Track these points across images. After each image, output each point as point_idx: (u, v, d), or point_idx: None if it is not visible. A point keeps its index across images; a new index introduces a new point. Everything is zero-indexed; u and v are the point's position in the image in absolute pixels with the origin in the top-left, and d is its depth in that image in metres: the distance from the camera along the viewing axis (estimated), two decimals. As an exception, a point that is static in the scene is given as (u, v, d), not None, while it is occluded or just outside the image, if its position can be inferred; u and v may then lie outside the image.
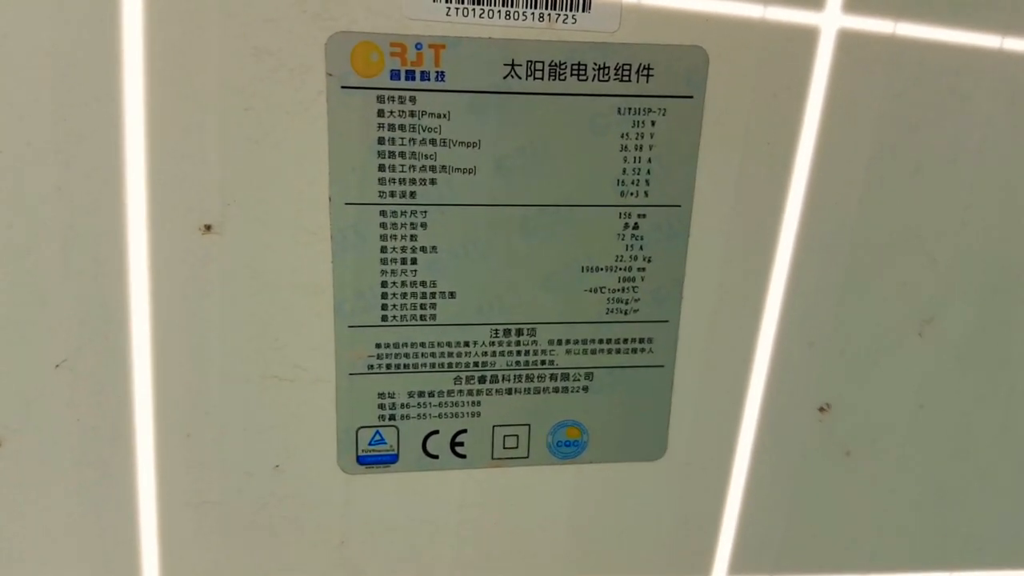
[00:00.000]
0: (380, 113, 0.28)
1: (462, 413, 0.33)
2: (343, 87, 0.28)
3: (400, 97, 0.28)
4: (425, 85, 0.28)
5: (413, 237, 0.30)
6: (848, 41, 0.30)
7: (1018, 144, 0.33)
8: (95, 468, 0.31)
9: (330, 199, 0.29)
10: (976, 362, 0.35)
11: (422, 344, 0.32)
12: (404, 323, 0.31)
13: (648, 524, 0.35)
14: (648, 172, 0.31)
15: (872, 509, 0.37)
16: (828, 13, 0.30)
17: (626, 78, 0.29)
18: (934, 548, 0.38)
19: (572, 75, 0.29)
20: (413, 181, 0.29)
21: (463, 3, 0.28)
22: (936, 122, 0.32)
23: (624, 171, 0.30)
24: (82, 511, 0.32)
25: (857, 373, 0.35)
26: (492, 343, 0.32)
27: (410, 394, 0.32)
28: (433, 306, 0.31)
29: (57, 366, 0.30)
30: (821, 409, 0.35)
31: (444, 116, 0.29)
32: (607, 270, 0.32)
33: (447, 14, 0.28)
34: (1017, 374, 0.36)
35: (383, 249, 0.30)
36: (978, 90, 0.32)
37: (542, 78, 0.29)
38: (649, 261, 0.32)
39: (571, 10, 0.28)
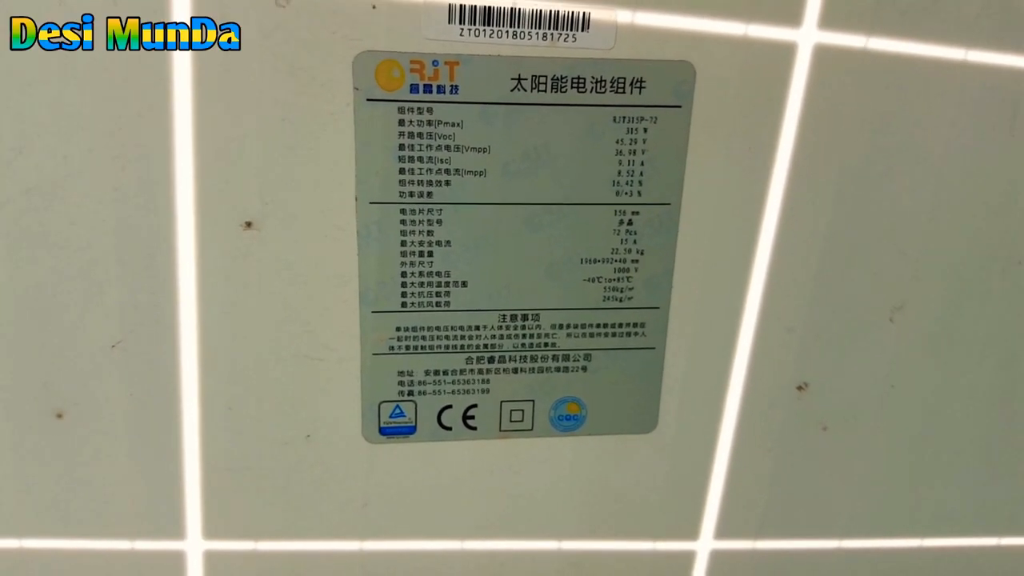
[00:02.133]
0: (401, 122, 0.32)
1: (473, 390, 0.36)
2: (368, 99, 0.31)
3: (419, 108, 0.32)
4: (441, 97, 0.32)
5: (430, 232, 0.34)
6: (823, 55, 0.33)
7: (979, 147, 0.36)
8: (145, 437, 0.35)
9: (356, 199, 0.33)
10: (941, 346, 0.39)
11: (437, 328, 0.35)
12: (421, 309, 0.35)
13: (640, 491, 0.39)
14: (641, 174, 0.34)
15: (847, 480, 0.41)
16: (805, 30, 0.33)
17: (621, 90, 0.33)
18: (904, 517, 0.42)
19: (572, 87, 0.32)
20: (430, 183, 0.33)
21: (475, 24, 0.31)
22: (904, 128, 0.35)
23: (619, 173, 0.34)
24: (133, 475, 0.35)
25: (832, 355, 0.38)
26: (500, 327, 0.36)
27: (427, 372, 0.36)
28: (447, 294, 0.35)
29: (113, 347, 0.33)
30: (799, 388, 0.38)
31: (458, 125, 0.32)
32: (604, 262, 0.35)
33: (460, 34, 0.31)
34: (979, 357, 0.39)
35: (403, 243, 0.34)
36: (942, 98, 0.35)
37: (545, 90, 0.32)
38: (642, 254, 0.35)
39: (571, 30, 0.32)
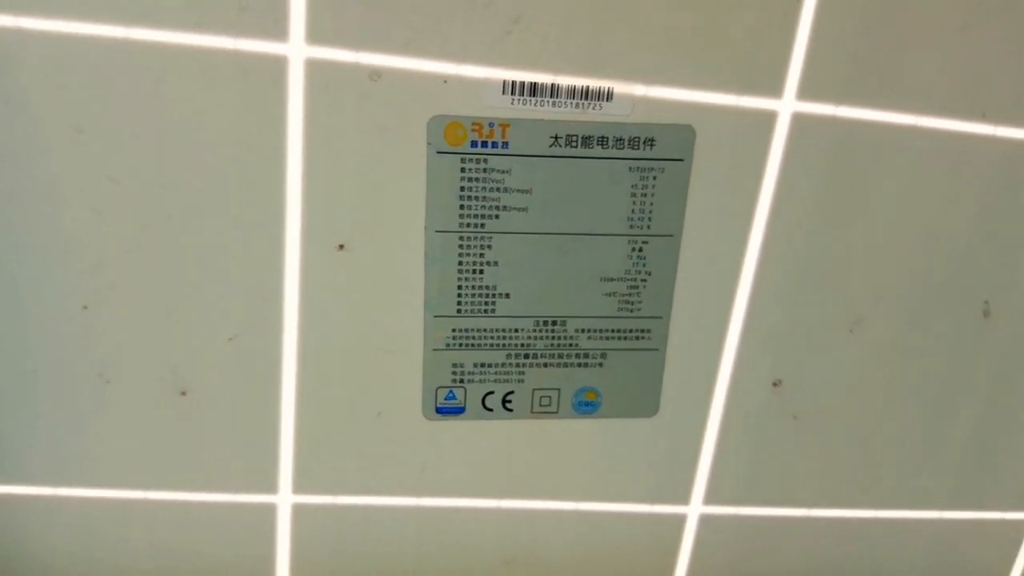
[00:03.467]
0: (462, 170, 0.40)
1: (511, 379, 0.45)
2: (438, 152, 0.40)
3: (477, 159, 0.40)
4: (495, 151, 0.40)
5: (481, 255, 0.42)
6: (800, 120, 0.42)
7: (928, 194, 0.44)
8: (251, 412, 0.44)
9: (425, 228, 0.41)
10: (892, 353, 0.47)
11: (484, 330, 0.44)
12: (472, 315, 0.44)
13: (643, 463, 0.48)
14: (651, 212, 0.43)
15: (813, 459, 0.49)
16: (785, 100, 0.42)
17: (635, 147, 0.41)
18: (862, 491, 0.51)
19: (598, 144, 0.41)
20: (484, 216, 0.42)
21: (522, 95, 0.40)
22: (865, 178, 0.43)
23: (632, 211, 0.42)
24: (238, 441, 0.44)
25: (803, 358, 0.47)
26: (535, 330, 0.44)
27: (475, 365, 0.45)
28: (493, 303, 0.43)
29: (230, 339, 0.42)
30: (775, 384, 0.47)
31: (507, 172, 0.41)
32: (619, 280, 0.44)
33: (511, 103, 0.40)
34: (923, 362, 0.48)
35: (460, 263, 0.42)
36: (898, 154, 0.43)
37: (576, 146, 0.41)
38: (649, 274, 0.44)
39: (598, 100, 0.40)
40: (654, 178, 0.42)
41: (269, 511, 0.46)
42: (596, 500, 0.48)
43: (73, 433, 0.43)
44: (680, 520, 0.49)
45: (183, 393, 0.43)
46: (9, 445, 0.43)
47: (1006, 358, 0.48)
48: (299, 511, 0.46)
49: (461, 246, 0.42)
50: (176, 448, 0.44)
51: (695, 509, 0.49)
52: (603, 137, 0.41)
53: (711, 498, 0.49)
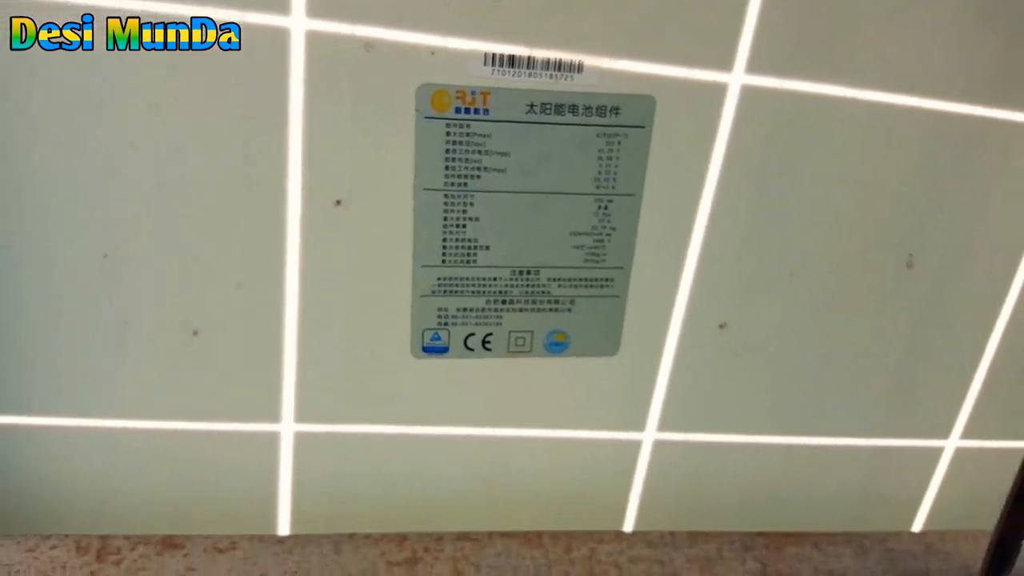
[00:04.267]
0: (447, 134, 0.45)
1: (490, 322, 0.51)
2: (425, 117, 0.44)
3: (460, 124, 0.45)
4: (477, 117, 0.45)
5: (464, 211, 0.47)
6: (748, 92, 0.47)
7: (862, 160, 0.50)
8: (257, 349, 0.49)
9: (414, 186, 0.46)
10: (824, 299, 0.54)
11: (466, 278, 0.49)
12: (456, 264, 0.49)
13: (605, 396, 0.54)
14: (615, 173, 0.48)
15: (755, 393, 0.56)
16: (735, 73, 0.47)
17: (602, 114, 0.46)
18: (798, 420, 0.58)
19: (569, 112, 0.46)
20: (466, 176, 0.46)
21: (502, 67, 0.44)
22: (806, 143, 0.49)
23: (599, 172, 0.48)
24: (245, 376, 0.49)
25: (746, 304, 0.53)
26: (511, 279, 0.50)
27: (458, 309, 0.50)
28: (475, 254, 0.49)
29: (238, 285, 0.47)
30: (721, 326, 0.53)
31: (488, 136, 0.46)
32: (586, 234, 0.49)
33: (492, 74, 0.44)
34: (854, 307, 0.54)
35: (445, 218, 0.47)
36: (835, 122, 0.49)
37: (550, 113, 0.46)
38: (614, 229, 0.49)
39: (570, 72, 0.45)
40: (618, 143, 0.47)
41: (273, 439, 0.51)
42: (564, 428, 0.54)
43: (95, 370, 0.48)
44: (636, 445, 0.55)
45: (195, 333, 0.48)
46: (37, 382, 0.47)
47: (926, 304, 0.55)
48: (300, 438, 0.51)
49: (446, 203, 0.47)
50: (189, 382, 0.49)
51: (649, 436, 0.55)
52: (573, 105, 0.46)
53: (664, 426, 0.55)
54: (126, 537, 0.47)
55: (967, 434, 0.59)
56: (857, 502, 0.60)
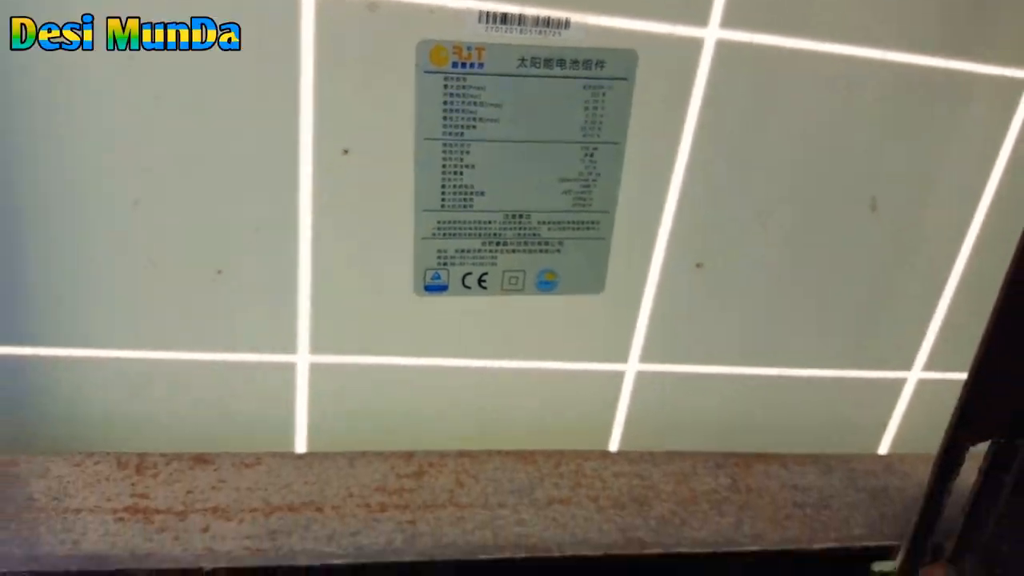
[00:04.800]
0: (445, 87, 0.49)
1: (485, 263, 0.55)
2: (425, 72, 0.48)
3: (457, 78, 0.49)
4: (472, 71, 0.49)
5: (461, 159, 0.52)
6: (723, 46, 0.51)
7: (829, 109, 0.54)
8: (276, 289, 0.53)
9: (415, 136, 0.50)
10: (796, 241, 0.58)
11: (463, 222, 0.54)
12: (454, 209, 0.53)
13: (591, 331, 0.59)
14: (600, 123, 0.52)
15: (729, 328, 0.61)
16: (710, 28, 0.50)
17: (588, 68, 0.50)
18: (769, 354, 0.62)
19: (557, 66, 0.50)
20: (463, 126, 0.50)
21: (495, 24, 0.48)
22: (776, 95, 0.53)
23: (585, 122, 0.52)
24: (264, 310, 0.54)
25: (722, 245, 0.57)
26: (504, 222, 0.54)
27: (456, 251, 0.55)
28: (471, 199, 0.53)
29: (256, 229, 0.52)
30: (697, 265, 0.58)
31: (482, 88, 0.50)
32: (573, 180, 0.53)
33: (486, 30, 0.48)
34: (822, 248, 0.58)
35: (443, 166, 0.51)
36: (803, 76, 0.52)
37: (540, 67, 0.50)
38: (599, 175, 0.53)
39: (558, 28, 0.49)
40: (603, 94, 0.51)
41: (290, 369, 0.56)
42: (553, 360, 0.59)
43: (125, 306, 0.53)
44: (620, 376, 0.61)
45: (219, 272, 0.52)
46: (71, 316, 0.52)
47: (888, 244, 0.59)
48: (315, 369, 0.56)
49: (444, 151, 0.51)
50: (213, 317, 0.54)
51: (632, 367, 0.60)
52: (561, 59, 0.50)
53: (645, 358, 0.60)
54: (161, 454, 0.52)
55: (928, 366, 0.64)
56: (824, 430, 0.65)
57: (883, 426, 0.66)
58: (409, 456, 0.55)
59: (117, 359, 0.54)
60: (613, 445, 0.62)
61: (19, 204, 0.49)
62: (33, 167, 0.48)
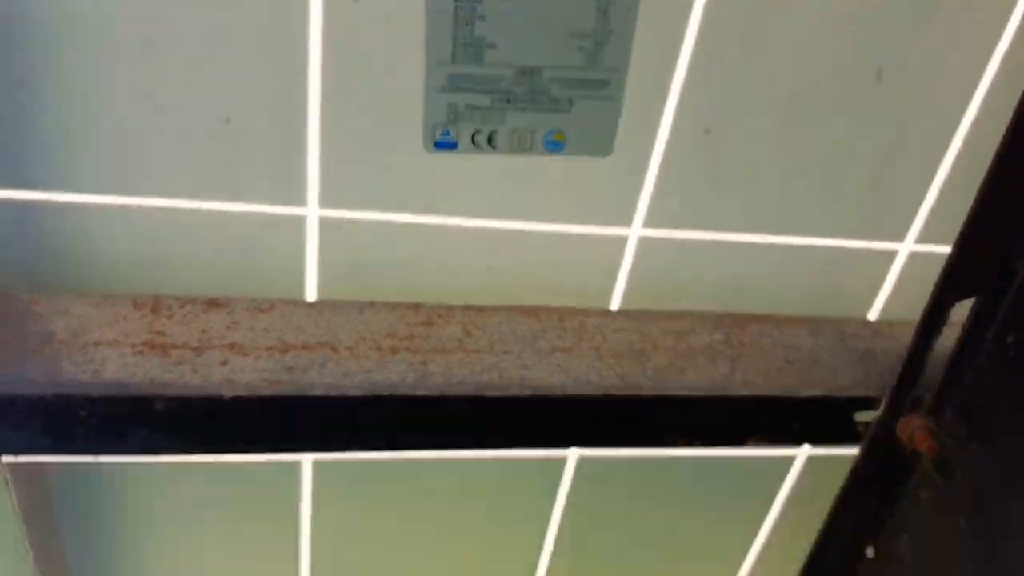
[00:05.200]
0: (460, -71, 0.48)
1: (495, 120, 0.56)
2: (439, -88, 0.47)
3: (472, -80, 0.48)
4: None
5: (473, 9, 0.51)
6: None
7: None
8: (285, 139, 0.54)
9: (428, -18, 0.50)
10: (802, 108, 0.58)
11: (474, 76, 0.54)
12: (465, 63, 0.53)
13: (597, 193, 0.60)
14: (614, -25, 0.51)
15: (730, 195, 0.62)
16: None
17: (605, -85, 0.49)
18: (771, 221, 0.64)
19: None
20: (476, -26, 0.50)
21: None
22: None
23: (600, -26, 0.51)
24: (277, 164, 0.55)
25: (729, 111, 0.58)
26: (515, 78, 0.54)
27: (466, 107, 0.55)
28: (482, 52, 0.53)
29: (266, 78, 0.51)
30: (706, 131, 0.58)
31: (497, -67, 0.49)
32: (586, 36, 0.53)
33: None
34: (827, 117, 0.59)
35: (455, 17, 0.51)
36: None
37: (556, -88, 0.49)
38: (612, 32, 0.53)
39: None
40: (619, -55, 0.50)
41: (300, 222, 0.57)
42: (559, 222, 0.61)
43: (134, 153, 0.53)
44: (623, 240, 0.62)
45: (227, 120, 0.53)
46: (81, 162, 0.53)
47: (893, 114, 0.60)
48: (325, 223, 0.57)
49: (456, 6, 0.51)
50: (221, 166, 0.54)
51: (636, 232, 0.62)
52: (578, -95, 0.49)
53: (649, 223, 0.62)
54: (175, 298, 0.54)
55: (920, 239, 0.66)
56: (819, 297, 0.67)
57: (873, 295, 0.69)
58: (417, 307, 0.57)
59: (126, 206, 0.55)
60: (614, 307, 0.64)
61: (29, 49, 0.48)
62: (43, 10, 0.47)
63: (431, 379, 0.50)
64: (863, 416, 0.55)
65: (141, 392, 0.46)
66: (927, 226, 0.66)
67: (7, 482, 0.55)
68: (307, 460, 0.67)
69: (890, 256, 0.67)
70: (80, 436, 0.46)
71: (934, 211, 0.65)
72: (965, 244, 0.49)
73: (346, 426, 0.50)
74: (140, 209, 0.55)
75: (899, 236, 0.66)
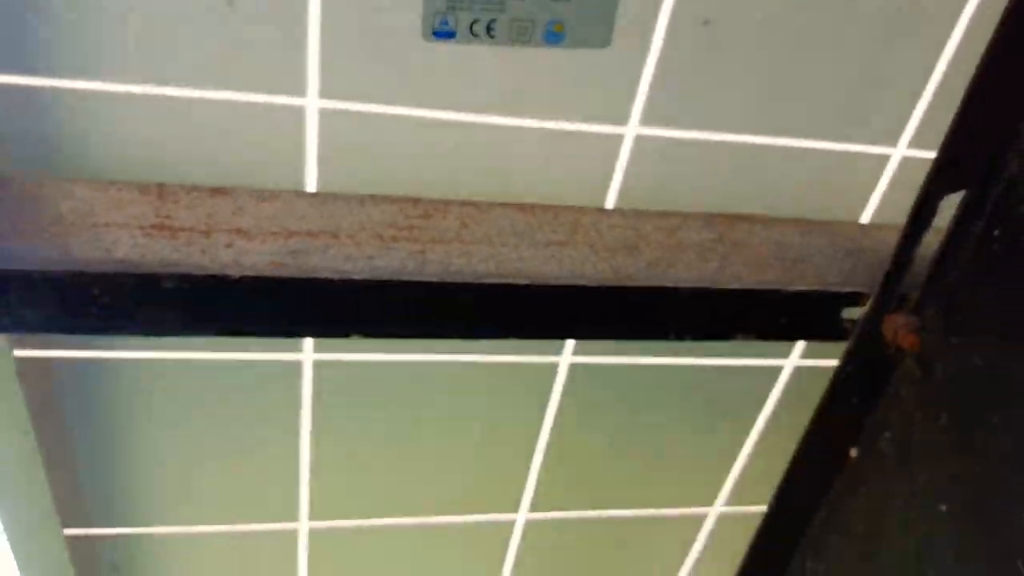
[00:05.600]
0: None
1: (494, 10, 0.55)
2: None
3: None
4: None
5: None
6: None
7: None
8: (288, 25, 0.53)
9: None
10: (800, 7, 0.58)
11: (474, -37, 0.53)
12: (464, -52, 0.52)
13: (595, 88, 0.60)
14: None
15: (728, 92, 0.62)
16: None
17: None
18: (766, 121, 0.64)
19: None
20: None
21: None
22: None
23: None
24: (279, 52, 0.55)
25: (729, 3, 0.57)
26: (515, -34, 0.54)
27: (464, -4, 0.55)
28: (482, -61, 0.52)
29: (263, -41, 0.51)
30: (705, 23, 0.58)
31: None
32: (587, -78, 0.53)
33: None
34: (822, 18, 0.59)
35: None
36: None
37: None
38: (613, -82, 0.53)
39: None
40: None
41: (299, 112, 0.57)
42: (556, 119, 0.61)
43: (136, 34, 0.53)
44: (619, 138, 0.63)
45: (229, 3, 0.52)
46: (80, 46, 0.53)
47: (891, 15, 0.60)
48: (324, 114, 0.58)
49: None
50: (222, 51, 0.54)
51: (632, 130, 0.62)
52: None
53: (647, 120, 0.62)
54: (180, 185, 0.55)
55: (913, 144, 0.67)
56: (812, 200, 0.68)
57: (866, 198, 0.69)
58: (416, 201, 0.58)
59: (129, 94, 0.55)
60: (609, 206, 0.65)
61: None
62: None
63: (430, 267, 0.51)
64: (850, 313, 0.57)
65: (151, 270, 0.47)
66: (919, 132, 0.66)
67: (16, 375, 0.57)
68: (307, 360, 0.69)
69: (883, 160, 0.67)
70: (93, 314, 0.48)
71: (928, 115, 0.65)
72: (956, 136, 0.50)
73: (348, 310, 0.51)
74: (139, 97, 0.55)
75: (892, 140, 0.66)
